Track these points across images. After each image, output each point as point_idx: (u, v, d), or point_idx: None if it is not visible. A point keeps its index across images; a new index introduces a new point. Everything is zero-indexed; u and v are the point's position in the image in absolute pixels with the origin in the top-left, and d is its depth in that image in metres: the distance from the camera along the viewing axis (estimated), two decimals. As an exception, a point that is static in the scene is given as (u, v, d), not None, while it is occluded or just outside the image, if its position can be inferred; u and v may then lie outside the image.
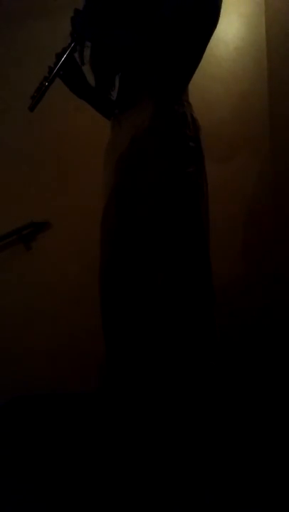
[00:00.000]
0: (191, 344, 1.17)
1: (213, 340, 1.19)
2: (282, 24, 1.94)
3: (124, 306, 1.23)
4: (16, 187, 2.21)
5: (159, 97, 1.18)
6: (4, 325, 2.19)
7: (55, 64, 1.23)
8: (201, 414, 1.19)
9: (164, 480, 1.20)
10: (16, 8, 2.21)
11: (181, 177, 1.17)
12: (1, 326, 2.20)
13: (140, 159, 1.19)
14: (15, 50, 2.21)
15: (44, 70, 1.25)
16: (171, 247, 1.16)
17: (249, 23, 2.10)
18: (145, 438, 1.21)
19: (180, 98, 1.21)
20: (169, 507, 1.17)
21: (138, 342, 1.21)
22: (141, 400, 1.22)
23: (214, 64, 2.08)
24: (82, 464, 1.46)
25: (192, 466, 1.19)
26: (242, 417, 1.65)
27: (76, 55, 1.27)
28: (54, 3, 2.09)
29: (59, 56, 1.24)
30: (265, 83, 2.09)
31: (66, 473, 1.44)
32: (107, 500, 1.25)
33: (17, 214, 2.17)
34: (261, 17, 2.09)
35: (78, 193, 2.12)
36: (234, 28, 2.09)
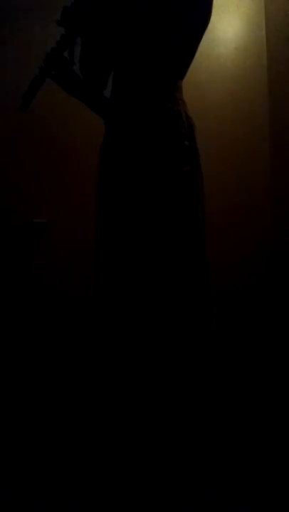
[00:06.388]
0: (188, 343, 1.17)
1: (210, 339, 1.19)
2: (282, 23, 1.95)
3: (120, 306, 1.23)
4: (15, 187, 2.21)
5: (153, 95, 1.18)
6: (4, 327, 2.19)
7: (46, 64, 1.24)
8: (199, 412, 1.19)
9: (164, 480, 1.20)
10: (16, 9, 2.21)
11: (177, 176, 1.16)
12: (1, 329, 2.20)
13: (135, 158, 1.19)
14: (15, 50, 2.21)
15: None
16: (168, 246, 1.16)
17: (249, 22, 2.09)
18: (144, 438, 1.21)
19: (174, 96, 1.20)
20: (169, 507, 1.17)
21: (135, 343, 1.21)
22: (138, 401, 1.22)
23: (215, 63, 2.08)
24: (81, 464, 1.46)
25: (192, 465, 1.19)
26: (241, 416, 1.65)
27: (66, 54, 1.27)
28: (55, 4, 2.09)
29: (49, 56, 1.24)
30: (265, 82, 2.09)
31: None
32: (107, 500, 1.25)
33: (17, 214, 2.17)
34: (261, 16, 2.08)
35: (78, 193, 2.12)
36: (234, 27, 2.08)
